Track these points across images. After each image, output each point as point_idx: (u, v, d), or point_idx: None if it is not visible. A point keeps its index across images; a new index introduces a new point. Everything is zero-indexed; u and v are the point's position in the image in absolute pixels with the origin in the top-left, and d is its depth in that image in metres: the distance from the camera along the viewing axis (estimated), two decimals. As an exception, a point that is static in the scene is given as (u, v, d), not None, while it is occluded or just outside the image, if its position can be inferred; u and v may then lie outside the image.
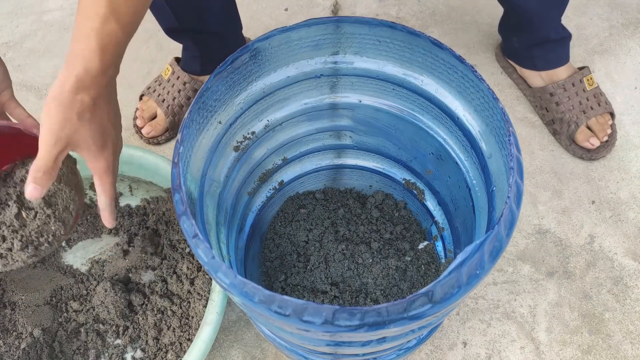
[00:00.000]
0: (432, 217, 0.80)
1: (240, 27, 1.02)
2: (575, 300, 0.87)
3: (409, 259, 0.79)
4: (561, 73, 0.99)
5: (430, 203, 0.79)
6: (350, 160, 0.83)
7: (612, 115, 1.00)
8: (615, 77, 1.09)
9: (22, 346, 0.75)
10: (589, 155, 0.98)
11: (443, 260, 0.78)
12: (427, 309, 0.40)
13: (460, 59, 0.54)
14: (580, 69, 1.01)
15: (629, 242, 0.91)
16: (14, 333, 0.77)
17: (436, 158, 0.70)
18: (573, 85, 0.99)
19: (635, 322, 0.84)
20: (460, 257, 0.41)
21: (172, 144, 1.06)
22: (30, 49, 1.20)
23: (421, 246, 0.80)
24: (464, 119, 0.60)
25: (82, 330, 0.78)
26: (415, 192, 0.80)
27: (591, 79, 1.00)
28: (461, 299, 0.43)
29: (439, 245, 0.79)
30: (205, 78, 1.04)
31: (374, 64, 0.64)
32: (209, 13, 0.92)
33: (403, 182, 0.81)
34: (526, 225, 0.93)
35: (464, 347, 0.83)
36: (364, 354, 0.60)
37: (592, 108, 0.98)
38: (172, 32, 0.97)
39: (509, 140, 0.48)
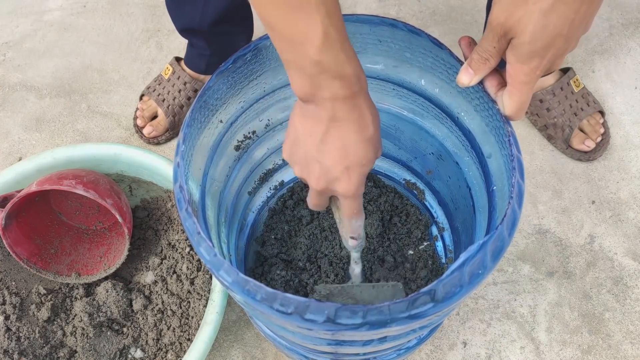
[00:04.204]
0: (433, 217, 0.80)
1: (252, 25, 1.03)
2: (575, 300, 0.87)
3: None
4: (548, 79, 1.00)
5: (431, 203, 0.79)
6: (350, 160, 0.83)
7: (602, 113, 1.01)
8: (615, 77, 1.09)
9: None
10: (587, 156, 0.98)
11: (443, 260, 0.78)
12: (429, 307, 0.40)
13: (458, 59, 0.54)
14: (565, 71, 1.01)
15: (629, 242, 0.91)
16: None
17: (436, 158, 0.70)
18: (561, 89, 0.99)
19: (635, 322, 0.84)
20: (462, 257, 0.41)
21: (172, 144, 1.06)
22: (30, 49, 1.20)
23: (421, 246, 0.80)
24: (464, 119, 0.60)
25: (82, 330, 0.78)
26: (415, 192, 0.80)
27: (577, 80, 1.00)
28: (463, 298, 0.43)
29: (439, 245, 0.79)
30: (206, 78, 1.05)
31: (375, 64, 0.64)
32: (233, 13, 0.93)
33: (403, 182, 0.81)
34: (526, 225, 0.93)
35: (464, 347, 0.83)
36: (364, 354, 0.60)
37: (582, 109, 0.99)
38: (187, 31, 0.97)
39: (509, 140, 0.48)
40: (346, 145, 0.45)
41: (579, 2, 0.39)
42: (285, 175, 0.81)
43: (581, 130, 0.99)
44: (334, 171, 0.47)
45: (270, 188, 0.81)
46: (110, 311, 0.79)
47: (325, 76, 0.41)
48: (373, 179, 0.83)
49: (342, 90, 0.42)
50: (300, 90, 0.43)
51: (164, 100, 1.03)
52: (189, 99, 1.04)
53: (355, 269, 0.66)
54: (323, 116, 0.44)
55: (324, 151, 0.46)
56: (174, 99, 1.03)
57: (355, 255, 0.64)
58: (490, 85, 0.49)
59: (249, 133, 0.67)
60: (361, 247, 0.60)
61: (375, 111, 0.47)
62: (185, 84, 1.03)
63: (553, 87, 0.99)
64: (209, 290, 0.76)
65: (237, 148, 0.66)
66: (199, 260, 0.80)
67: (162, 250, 0.83)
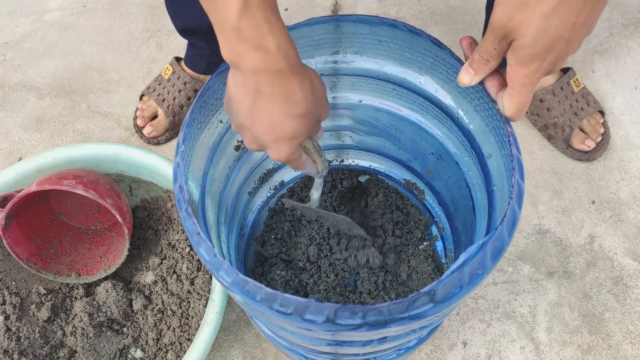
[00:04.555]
0: (432, 217, 0.80)
1: None
2: (575, 300, 0.87)
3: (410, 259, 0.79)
4: (548, 78, 1.00)
5: (431, 203, 0.79)
6: (350, 160, 0.83)
7: (602, 113, 1.01)
8: (615, 77, 1.09)
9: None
10: (587, 156, 0.98)
11: (443, 260, 0.78)
12: (428, 308, 0.40)
13: (459, 59, 0.54)
14: (565, 71, 1.01)
15: (629, 242, 0.91)
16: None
17: (436, 158, 0.70)
18: (562, 89, 0.99)
19: (635, 322, 0.84)
20: (462, 257, 0.41)
21: (171, 143, 1.06)
22: (30, 49, 1.20)
23: (421, 246, 0.80)
24: (464, 119, 0.60)
25: (82, 330, 0.78)
26: (415, 192, 0.80)
27: (577, 80, 1.00)
28: (463, 298, 0.42)
29: (439, 245, 0.79)
30: (206, 78, 1.05)
31: (375, 64, 0.64)
32: None
33: (403, 182, 0.81)
34: (526, 225, 0.93)
35: (464, 347, 0.83)
36: (364, 354, 0.60)
37: (582, 109, 0.99)
38: (187, 31, 0.96)
39: (509, 140, 0.48)
40: (273, 120, 0.45)
41: (581, 5, 0.39)
42: (285, 175, 0.81)
43: (581, 130, 0.99)
44: (263, 140, 0.47)
45: (270, 188, 0.81)
46: (110, 311, 0.79)
47: (246, 46, 0.40)
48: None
49: (264, 64, 0.40)
50: (225, 55, 0.42)
51: (164, 100, 1.03)
52: (189, 99, 1.04)
53: (315, 194, 0.68)
54: (249, 87, 0.43)
55: (254, 121, 0.45)
56: (174, 99, 1.03)
57: (317, 182, 0.66)
58: (491, 86, 0.49)
59: (248, 133, 0.67)
60: (323, 175, 0.61)
61: (315, 85, 0.46)
62: (185, 84, 1.03)
63: (553, 87, 0.99)
64: (209, 290, 0.76)
65: (237, 148, 0.66)
66: (199, 260, 0.80)
67: (162, 250, 0.83)
